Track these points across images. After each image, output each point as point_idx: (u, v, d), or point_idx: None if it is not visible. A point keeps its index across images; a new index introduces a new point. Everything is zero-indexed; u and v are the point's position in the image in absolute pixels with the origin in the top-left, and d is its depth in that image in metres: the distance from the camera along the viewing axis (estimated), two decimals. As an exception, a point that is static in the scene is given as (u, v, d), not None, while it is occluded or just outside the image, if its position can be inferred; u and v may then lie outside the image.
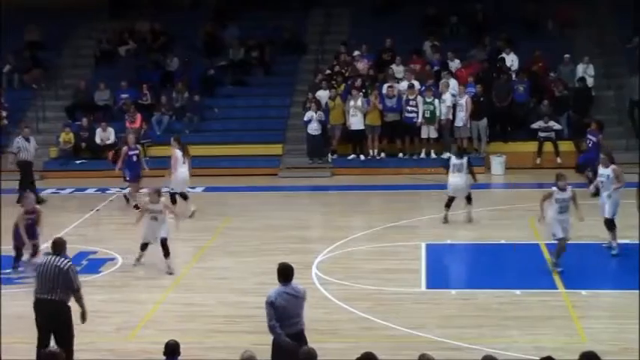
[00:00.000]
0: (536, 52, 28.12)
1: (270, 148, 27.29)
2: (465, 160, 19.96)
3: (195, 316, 14.67)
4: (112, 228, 21.21)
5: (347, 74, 28.10)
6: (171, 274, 16.68)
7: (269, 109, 28.88)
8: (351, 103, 26.29)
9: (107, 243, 19.07)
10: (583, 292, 15.26)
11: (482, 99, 26.34)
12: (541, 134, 26.08)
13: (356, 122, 26.36)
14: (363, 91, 26.72)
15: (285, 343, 10.54)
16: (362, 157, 26.62)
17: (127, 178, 22.25)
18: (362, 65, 28.36)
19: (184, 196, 21.16)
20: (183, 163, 21.07)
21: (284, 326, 10.62)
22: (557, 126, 26.11)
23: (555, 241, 16.11)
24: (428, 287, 16.03)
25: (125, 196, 22.56)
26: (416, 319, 14.26)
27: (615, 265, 15.91)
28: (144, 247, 17.15)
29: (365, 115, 26.28)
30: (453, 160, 20.00)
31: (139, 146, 22.86)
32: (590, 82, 27.22)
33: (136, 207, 21.84)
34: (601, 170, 17.52)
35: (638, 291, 14.62)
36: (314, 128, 26.40)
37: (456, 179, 19.81)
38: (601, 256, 16.45)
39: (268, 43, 30.42)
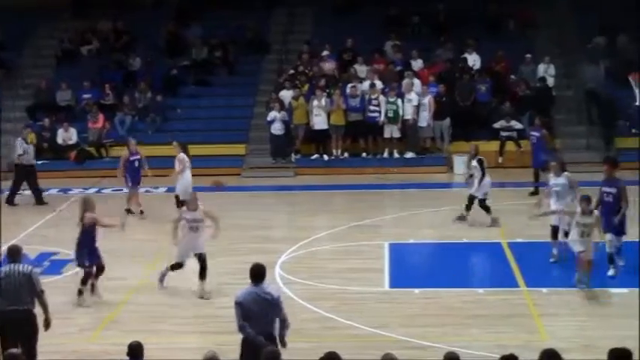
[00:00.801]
0: (498, 52, 28.35)
1: (233, 148, 27.28)
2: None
3: (159, 316, 14.64)
4: (74, 229, 21.02)
5: (310, 74, 28.14)
6: (207, 298, 15.34)
7: (232, 109, 28.87)
8: (315, 102, 26.35)
9: (69, 244, 18.86)
10: (544, 290, 15.41)
11: (444, 99, 26.50)
12: (503, 134, 26.29)
13: (319, 122, 26.42)
14: (327, 90, 26.78)
15: (258, 342, 10.57)
16: (325, 156, 26.68)
17: (129, 184, 21.51)
18: (329, 65, 28.40)
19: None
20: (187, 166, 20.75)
21: (251, 327, 10.63)
22: (518, 125, 26.32)
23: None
24: (391, 286, 16.12)
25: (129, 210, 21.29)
26: (379, 319, 14.33)
27: (574, 263, 16.02)
28: (177, 266, 15.59)
29: (328, 115, 26.34)
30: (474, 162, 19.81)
31: (140, 151, 21.89)
32: (550, 81, 27.48)
33: (128, 211, 21.23)
34: (554, 180, 16.91)
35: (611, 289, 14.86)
36: (277, 128, 26.42)
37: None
38: (561, 254, 16.57)
39: (231, 43, 30.40)
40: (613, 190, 15.71)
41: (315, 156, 26.85)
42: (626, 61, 27.18)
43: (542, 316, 14.31)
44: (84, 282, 15.15)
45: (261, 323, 10.69)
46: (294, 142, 26.88)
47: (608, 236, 15.66)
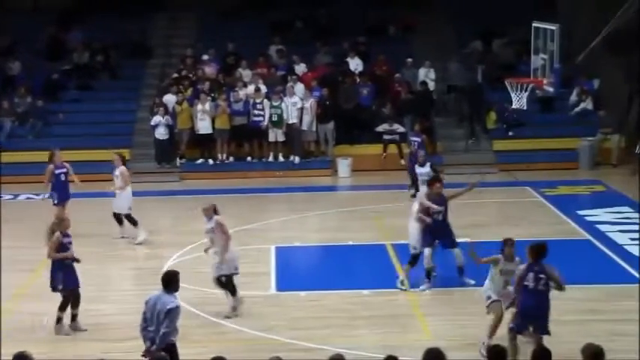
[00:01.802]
0: (379, 57, 28.80)
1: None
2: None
3: (42, 326, 14.42)
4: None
5: (194, 78, 28.06)
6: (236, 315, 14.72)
7: (115, 114, 28.55)
8: (199, 107, 26.28)
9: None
10: (427, 290, 15.75)
11: (327, 102, 26.78)
12: (385, 137, 26.68)
13: (204, 126, 26.36)
14: (212, 95, 26.76)
15: (146, 346, 10.83)
16: (210, 161, 26.65)
17: (55, 202, 19.54)
18: (210, 69, 28.37)
19: (134, 221, 19.42)
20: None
21: (150, 331, 10.88)
22: (400, 129, 26.75)
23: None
24: (278, 290, 16.29)
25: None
26: (266, 322, 14.45)
27: (456, 264, 16.43)
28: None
29: (213, 119, 26.32)
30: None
31: (67, 164, 19.95)
32: (431, 85, 28.06)
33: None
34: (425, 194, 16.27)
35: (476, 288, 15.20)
36: (161, 133, 26.27)
37: None
38: (444, 256, 16.92)
39: (114, 47, 30.07)
40: (442, 209, 15.78)
41: (200, 160, 26.79)
42: (503, 65, 27.99)
43: (426, 315, 14.68)
44: (61, 308, 14.12)
45: (152, 328, 10.85)
46: (178, 146, 26.76)
47: (427, 251, 15.65)
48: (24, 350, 9.60)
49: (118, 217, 19.52)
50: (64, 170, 19.74)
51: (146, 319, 10.94)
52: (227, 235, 14.72)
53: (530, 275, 12.04)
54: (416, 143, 23.17)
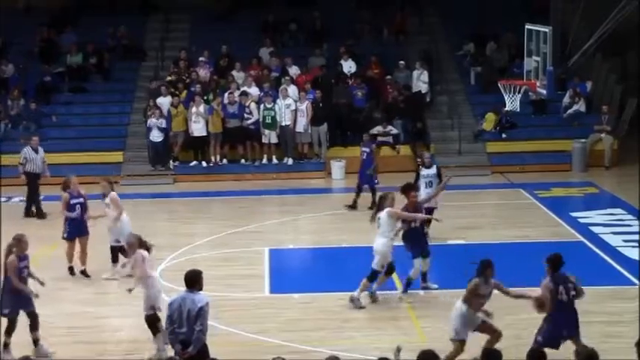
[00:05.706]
0: (372, 59, 28.81)
1: (110, 156, 26.95)
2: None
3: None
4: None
5: (187, 80, 28.04)
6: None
7: (109, 116, 28.56)
8: (193, 109, 26.26)
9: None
10: (421, 292, 15.77)
11: (321, 104, 26.77)
12: (380, 139, 26.69)
13: (198, 129, 26.34)
14: (205, 97, 26.75)
15: (174, 348, 10.89)
16: (204, 163, 26.63)
17: (64, 236, 17.32)
18: (204, 72, 28.33)
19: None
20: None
21: (176, 332, 10.89)
22: (394, 130, 26.80)
23: None
24: (271, 292, 16.29)
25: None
26: (260, 324, 14.46)
27: (449, 266, 16.44)
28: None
29: (207, 122, 26.30)
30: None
31: (83, 192, 17.44)
32: (424, 88, 28.07)
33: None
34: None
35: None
36: (155, 135, 26.25)
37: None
38: (440, 257, 16.93)
39: (107, 49, 30.04)
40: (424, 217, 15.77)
41: (194, 163, 26.77)
42: (496, 68, 28.04)
43: (419, 317, 14.68)
44: (7, 332, 13.05)
45: (183, 329, 10.85)
46: (172, 149, 26.73)
47: (417, 262, 15.53)
48: (28, 355, 9.62)
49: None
50: (81, 200, 17.34)
51: (173, 321, 10.85)
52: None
53: (561, 288, 11.97)
54: (365, 154, 22.43)
